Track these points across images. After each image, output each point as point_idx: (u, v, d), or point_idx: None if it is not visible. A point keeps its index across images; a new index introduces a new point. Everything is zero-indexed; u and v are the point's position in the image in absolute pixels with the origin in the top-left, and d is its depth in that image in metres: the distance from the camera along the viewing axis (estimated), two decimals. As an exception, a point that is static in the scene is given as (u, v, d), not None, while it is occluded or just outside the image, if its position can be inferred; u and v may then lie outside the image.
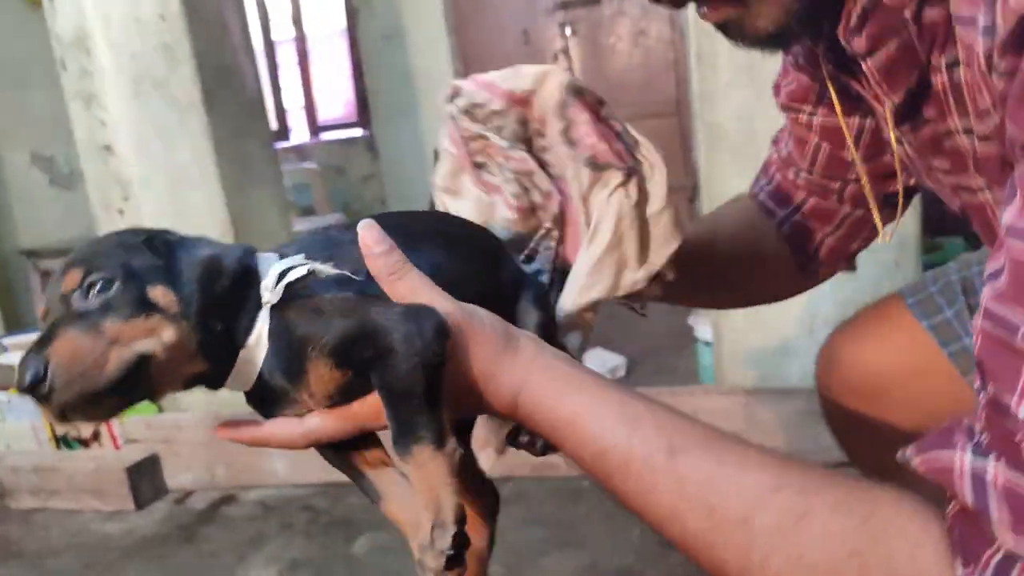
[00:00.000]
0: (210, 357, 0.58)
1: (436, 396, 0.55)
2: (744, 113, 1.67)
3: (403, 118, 3.80)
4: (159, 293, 0.55)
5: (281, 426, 0.61)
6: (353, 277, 0.58)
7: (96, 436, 2.19)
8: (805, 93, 0.91)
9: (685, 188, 3.98)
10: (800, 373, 1.71)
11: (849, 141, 0.87)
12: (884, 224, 0.93)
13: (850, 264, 1.06)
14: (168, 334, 0.54)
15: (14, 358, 2.24)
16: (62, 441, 2.21)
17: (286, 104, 4.91)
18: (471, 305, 0.60)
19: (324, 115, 4.93)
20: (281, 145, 4.54)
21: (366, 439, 0.61)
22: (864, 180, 0.88)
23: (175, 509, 2.04)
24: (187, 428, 2.09)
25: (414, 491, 0.54)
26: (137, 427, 2.13)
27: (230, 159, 2.04)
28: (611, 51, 4.09)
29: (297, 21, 4.84)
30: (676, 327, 2.56)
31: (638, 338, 2.75)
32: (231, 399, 2.23)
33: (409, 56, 3.87)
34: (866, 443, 1.03)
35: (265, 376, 0.59)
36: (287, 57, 4.87)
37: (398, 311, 0.56)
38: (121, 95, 1.99)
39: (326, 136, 4.85)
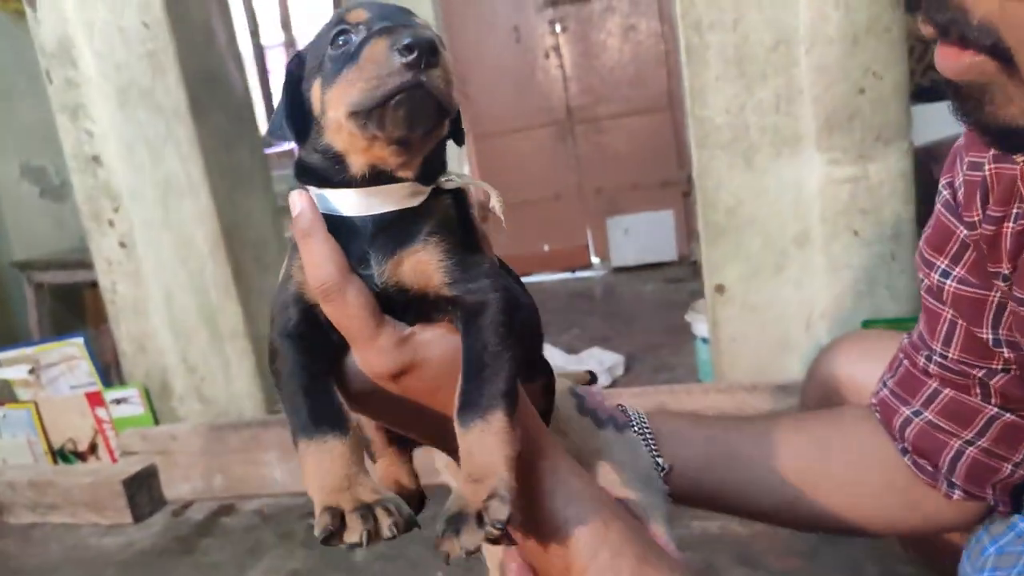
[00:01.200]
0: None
1: (520, 369, 0.56)
2: (734, 107, 1.65)
3: (395, 119, 3.77)
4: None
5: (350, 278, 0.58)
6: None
7: (93, 449, 2.17)
8: (943, 242, 0.74)
9: (679, 182, 3.97)
10: (798, 368, 1.70)
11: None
12: None
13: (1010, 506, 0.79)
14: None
15: (8, 372, 2.23)
16: (59, 455, 2.20)
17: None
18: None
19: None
20: (272, 150, 4.52)
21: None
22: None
23: (173, 521, 2.03)
24: (183, 439, 2.08)
25: (468, 460, 0.54)
26: (133, 439, 2.11)
27: (220, 167, 2.02)
28: (602, 47, 4.07)
29: (286, 25, 4.82)
30: (674, 324, 2.55)
31: (636, 336, 2.74)
32: (225, 410, 2.21)
33: (399, 57, 3.85)
34: None
35: (369, 228, 0.59)
36: (277, 62, 4.85)
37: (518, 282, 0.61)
38: (107, 105, 1.97)
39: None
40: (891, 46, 1.57)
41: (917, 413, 0.79)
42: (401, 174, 0.59)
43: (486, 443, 0.53)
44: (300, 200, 0.59)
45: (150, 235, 2.03)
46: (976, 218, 0.69)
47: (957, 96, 0.51)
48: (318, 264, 0.57)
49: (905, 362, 0.81)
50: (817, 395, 1.04)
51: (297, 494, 2.01)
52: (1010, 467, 0.76)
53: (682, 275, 3.59)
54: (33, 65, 2.07)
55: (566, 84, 4.13)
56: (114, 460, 2.15)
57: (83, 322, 2.99)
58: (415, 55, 0.52)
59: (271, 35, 4.81)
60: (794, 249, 1.69)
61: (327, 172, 0.60)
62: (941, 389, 0.77)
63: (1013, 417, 0.74)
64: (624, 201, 4.01)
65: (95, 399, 2.13)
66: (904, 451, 0.80)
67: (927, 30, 0.50)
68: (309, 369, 0.58)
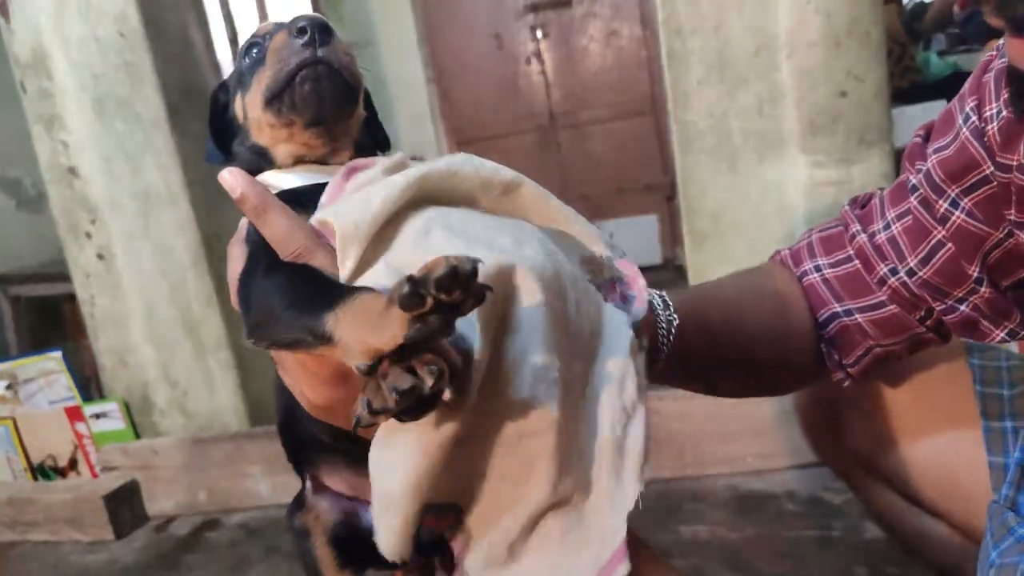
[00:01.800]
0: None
1: None
2: (717, 111, 1.65)
3: (377, 126, 3.77)
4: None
5: (286, 216, 0.56)
6: None
7: (73, 465, 2.14)
8: (963, 171, 0.71)
9: (663, 186, 3.98)
10: (785, 371, 1.70)
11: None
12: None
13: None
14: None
15: (-13, 388, 2.19)
16: (38, 471, 2.16)
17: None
18: None
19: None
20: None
21: None
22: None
23: (156, 537, 1.99)
24: (165, 453, 2.05)
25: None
26: (113, 454, 2.08)
27: (199, 177, 2.00)
28: (584, 52, 4.08)
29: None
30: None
31: (622, 340, 2.73)
32: (208, 423, 2.18)
33: (382, 64, 3.84)
34: (831, 442, 1.03)
35: (316, 197, 0.60)
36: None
37: None
38: (84, 116, 1.94)
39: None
40: (871, 49, 1.58)
41: (848, 312, 0.80)
42: (334, 162, 0.63)
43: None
44: (235, 178, 0.57)
45: (129, 247, 2.01)
46: (1015, 162, 0.68)
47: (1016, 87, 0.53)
48: (284, 235, 0.55)
49: (856, 262, 0.81)
50: (809, 397, 1.04)
51: (282, 507, 1.99)
52: (895, 360, 0.83)
53: (667, 279, 3.59)
54: (6, 75, 2.04)
55: (548, 90, 4.13)
56: (95, 476, 2.11)
57: (62, 336, 2.94)
58: (308, 34, 0.58)
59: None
60: (779, 252, 1.69)
61: (256, 167, 0.64)
62: (888, 303, 0.78)
63: (931, 335, 0.80)
64: (608, 206, 4.01)
65: (75, 414, 2.09)
66: (820, 338, 0.83)
67: (996, 23, 0.52)
68: (304, 279, 0.54)
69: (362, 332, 0.46)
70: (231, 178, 0.57)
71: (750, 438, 1.71)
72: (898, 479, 0.96)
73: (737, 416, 1.72)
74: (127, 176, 1.96)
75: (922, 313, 0.78)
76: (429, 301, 0.42)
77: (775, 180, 1.66)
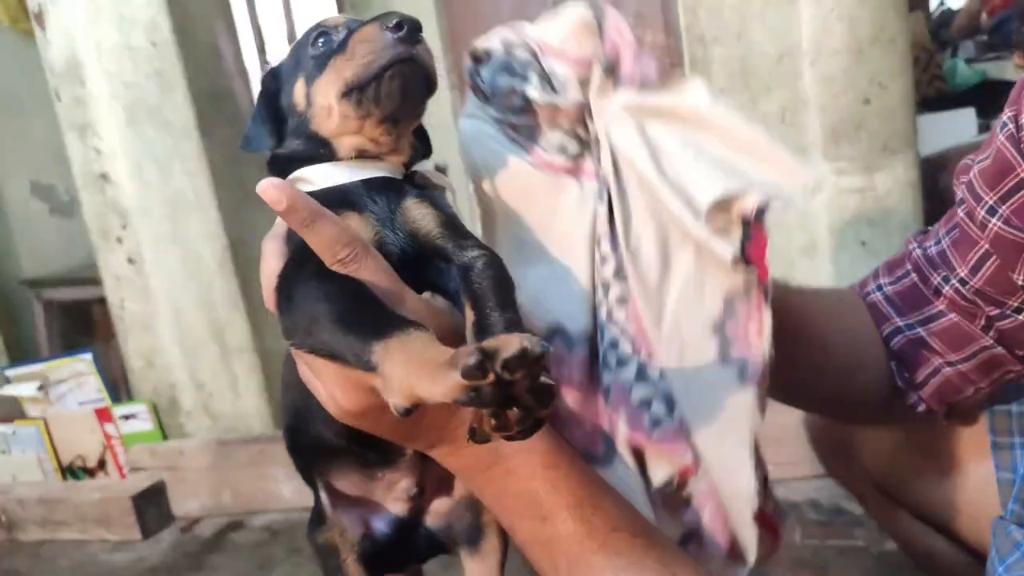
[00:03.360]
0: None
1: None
2: (740, 119, 1.65)
3: (401, 134, 3.80)
4: None
5: (332, 221, 0.56)
6: None
7: (102, 465, 2.17)
8: (999, 176, 0.71)
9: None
10: (807, 379, 1.69)
11: None
12: None
13: (947, 413, 0.84)
14: None
15: (17, 389, 2.24)
16: (68, 471, 2.20)
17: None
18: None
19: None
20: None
21: None
22: None
23: (182, 537, 2.02)
24: (191, 454, 2.08)
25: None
26: (141, 455, 2.12)
27: (227, 182, 2.03)
28: (607, 60, 4.09)
29: (292, 42, 4.85)
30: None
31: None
32: (233, 425, 2.21)
33: (405, 72, 3.88)
34: (843, 461, 1.02)
35: (361, 189, 0.61)
36: (284, 77, 4.88)
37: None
38: (116, 123, 1.98)
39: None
40: (896, 56, 1.57)
41: (910, 327, 0.80)
42: (390, 160, 0.63)
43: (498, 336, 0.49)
44: (280, 190, 0.55)
45: (158, 251, 2.04)
46: None
47: None
48: (333, 241, 0.55)
49: (913, 275, 0.81)
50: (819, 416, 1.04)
51: (305, 509, 2.01)
52: (973, 389, 0.80)
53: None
54: (42, 84, 2.09)
55: (571, 97, 4.14)
56: (123, 476, 2.15)
57: (92, 338, 2.99)
58: (406, 30, 0.57)
59: (277, 52, 4.84)
60: (801, 260, 1.69)
61: (311, 157, 0.63)
62: (947, 312, 0.78)
63: (1001, 350, 0.77)
64: (630, 213, 4.01)
65: (104, 415, 2.13)
66: (890, 355, 0.82)
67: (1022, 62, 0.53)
68: (354, 295, 0.54)
69: (410, 377, 0.46)
70: (274, 191, 0.54)
71: (772, 446, 1.69)
72: (909, 498, 0.95)
73: (763, 424, 1.71)
74: (157, 182, 2.00)
75: (983, 323, 0.76)
76: (491, 376, 0.42)
77: (798, 187, 1.66)
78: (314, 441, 0.70)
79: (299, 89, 0.64)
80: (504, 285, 0.57)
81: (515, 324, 0.53)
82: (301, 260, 0.57)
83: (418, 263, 0.60)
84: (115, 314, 2.14)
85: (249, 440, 2.05)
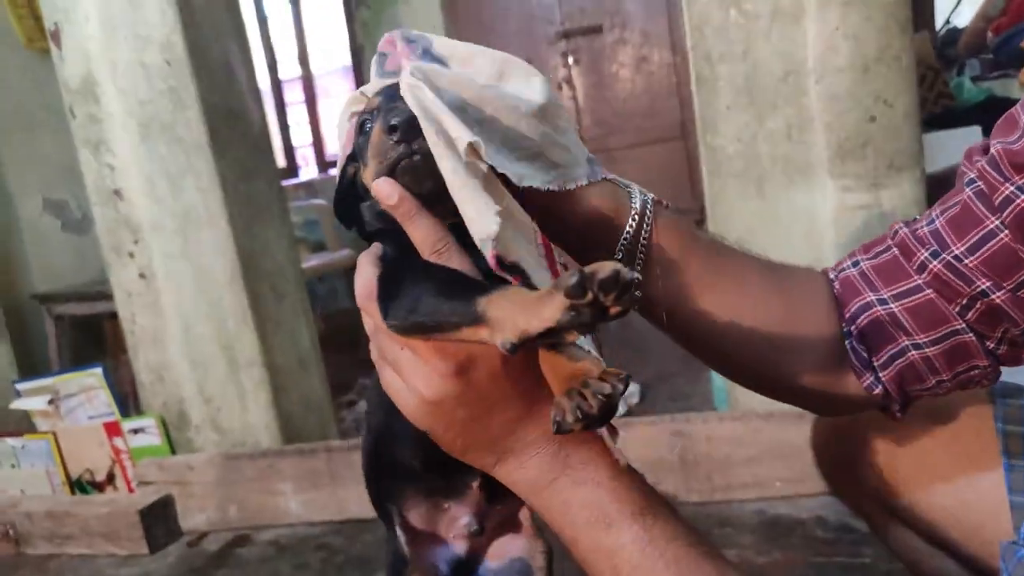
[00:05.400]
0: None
1: None
2: (746, 136, 1.67)
3: (410, 152, 3.82)
4: None
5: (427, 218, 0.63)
6: None
7: (110, 479, 2.18)
8: None
9: (693, 211, 3.98)
10: (815, 395, 1.69)
11: None
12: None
13: (902, 406, 0.81)
14: None
15: (28, 403, 2.25)
16: (76, 485, 2.21)
17: (294, 142, 4.97)
18: None
19: (332, 151, 4.98)
20: (290, 182, 4.58)
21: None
22: None
23: (189, 552, 2.03)
24: (199, 468, 2.09)
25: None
26: (149, 469, 2.13)
27: (238, 199, 2.06)
28: (614, 78, 4.12)
29: (303, 60, 4.91)
30: (689, 353, 2.53)
31: (652, 364, 2.73)
32: (240, 439, 2.21)
33: (414, 90, 3.90)
34: (848, 480, 1.02)
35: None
36: (294, 95, 4.93)
37: None
38: (130, 140, 2.01)
39: (335, 172, 4.88)
40: (901, 74, 1.59)
41: (882, 301, 0.77)
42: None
43: (575, 356, 0.57)
44: (391, 187, 0.63)
45: (169, 266, 2.06)
46: None
47: None
48: (430, 232, 0.63)
49: (895, 250, 0.78)
50: (827, 426, 1.04)
51: (313, 524, 2.01)
52: (935, 381, 0.77)
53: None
54: (54, 101, 2.12)
55: (579, 115, 4.17)
56: (131, 490, 2.15)
57: (102, 353, 3.01)
58: (399, 132, 0.62)
59: (288, 69, 4.90)
60: (808, 276, 1.69)
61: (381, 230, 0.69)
62: (925, 288, 0.75)
63: (972, 338, 0.74)
64: (638, 230, 4.02)
65: (113, 429, 2.15)
66: (848, 334, 0.79)
67: None
68: (453, 274, 0.60)
69: (514, 314, 0.52)
70: (387, 186, 0.63)
71: (778, 462, 1.70)
72: (917, 520, 0.93)
73: (765, 440, 1.71)
74: (169, 198, 2.02)
75: (963, 303, 0.73)
76: (589, 295, 0.48)
77: (804, 205, 1.67)
78: (391, 464, 0.73)
79: (364, 174, 0.70)
80: None
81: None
82: (398, 263, 0.64)
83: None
84: (126, 328, 2.16)
85: (256, 455, 2.06)
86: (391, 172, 0.64)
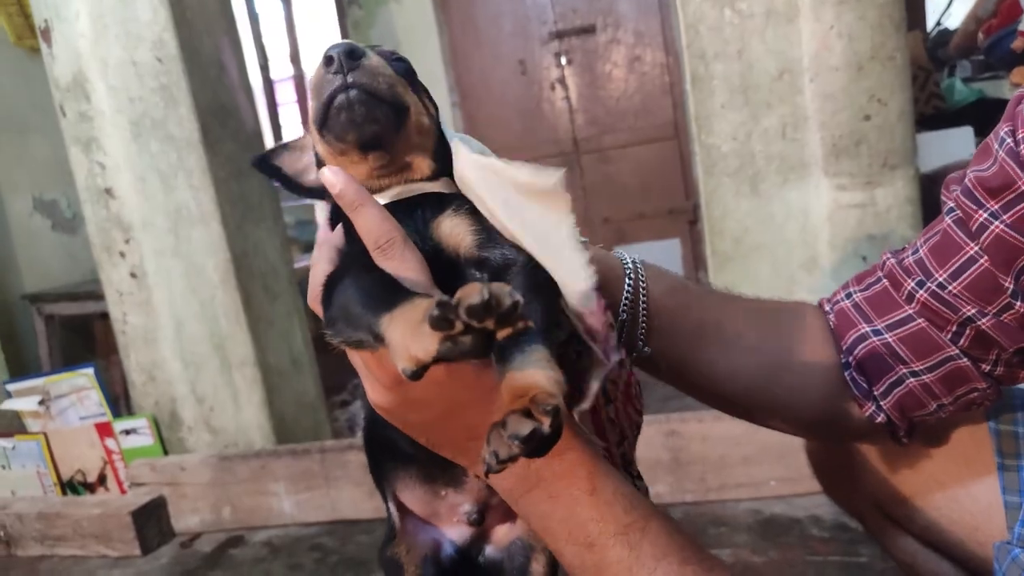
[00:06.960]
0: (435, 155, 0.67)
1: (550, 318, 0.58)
2: (740, 134, 1.67)
3: (402, 151, 3.83)
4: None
5: (378, 210, 0.61)
6: None
7: (102, 480, 2.17)
8: (1001, 187, 0.70)
9: (686, 210, 3.99)
10: (809, 394, 1.69)
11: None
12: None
13: (908, 431, 0.82)
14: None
15: (18, 404, 2.23)
16: (68, 486, 2.19)
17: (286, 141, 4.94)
18: None
19: (325, 151, 4.96)
20: (282, 182, 4.56)
21: None
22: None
23: (182, 553, 2.01)
24: (192, 469, 2.07)
25: (508, 388, 0.51)
26: (142, 470, 2.11)
27: (230, 197, 2.04)
28: (607, 78, 4.12)
29: (295, 59, 4.88)
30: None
31: (645, 363, 2.73)
32: (233, 440, 2.20)
33: (407, 90, 3.90)
34: (844, 483, 1.02)
35: (401, 206, 0.63)
36: (286, 95, 4.91)
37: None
38: (120, 138, 2.00)
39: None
40: (895, 73, 1.59)
41: (876, 332, 0.78)
42: (412, 177, 0.64)
43: (525, 370, 0.50)
44: (336, 176, 0.60)
45: (161, 265, 2.05)
46: None
47: None
48: (374, 226, 0.59)
49: (885, 281, 0.80)
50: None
51: (306, 525, 2.00)
52: (935, 405, 0.78)
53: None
54: (44, 100, 2.10)
55: (572, 115, 4.17)
56: (123, 491, 2.14)
57: (93, 353, 2.99)
58: (335, 62, 0.58)
59: (280, 68, 4.88)
60: (802, 275, 1.69)
61: None
62: (916, 317, 0.76)
63: (967, 362, 0.75)
64: (631, 230, 4.02)
65: (105, 430, 2.13)
66: (847, 365, 0.80)
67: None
68: (381, 283, 0.56)
69: (405, 339, 0.48)
70: (332, 176, 0.60)
71: (773, 462, 1.70)
72: (913, 522, 0.93)
73: (760, 439, 1.71)
74: (160, 196, 2.01)
75: (954, 329, 0.75)
76: (459, 325, 0.44)
77: (798, 203, 1.67)
78: (384, 443, 0.71)
79: (315, 141, 0.66)
80: (533, 290, 0.57)
81: (535, 334, 0.53)
82: (347, 264, 0.61)
83: (454, 276, 0.61)
84: (117, 328, 2.14)
85: (249, 455, 2.05)
86: (327, 110, 0.59)
